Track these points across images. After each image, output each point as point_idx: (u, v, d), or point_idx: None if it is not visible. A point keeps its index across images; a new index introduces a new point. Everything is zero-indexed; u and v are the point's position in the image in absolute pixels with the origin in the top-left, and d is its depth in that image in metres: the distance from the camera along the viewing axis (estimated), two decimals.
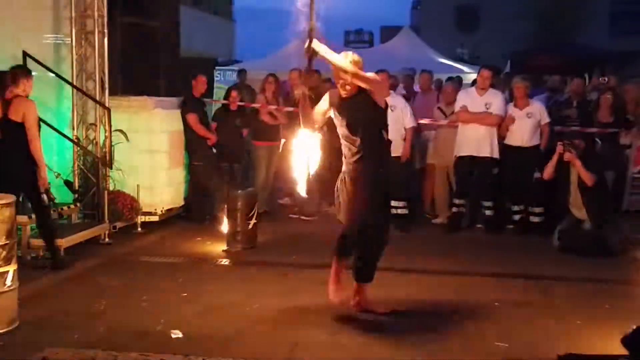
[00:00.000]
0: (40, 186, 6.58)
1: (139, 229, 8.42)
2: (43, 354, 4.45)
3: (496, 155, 8.54)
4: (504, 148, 8.59)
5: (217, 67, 17.44)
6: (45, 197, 6.69)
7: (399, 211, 8.77)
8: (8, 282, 4.86)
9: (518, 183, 8.53)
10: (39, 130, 6.65)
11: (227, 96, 9.65)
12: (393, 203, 8.72)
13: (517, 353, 4.73)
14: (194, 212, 8.99)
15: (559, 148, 7.77)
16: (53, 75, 8.19)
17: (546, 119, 8.60)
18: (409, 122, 8.75)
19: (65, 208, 7.73)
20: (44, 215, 6.73)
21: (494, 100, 8.54)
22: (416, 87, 11.33)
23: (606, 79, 11.25)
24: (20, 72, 6.71)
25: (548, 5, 27.02)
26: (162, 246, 7.76)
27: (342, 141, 5.28)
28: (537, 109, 8.62)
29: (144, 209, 8.51)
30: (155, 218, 8.62)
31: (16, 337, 4.80)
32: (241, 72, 14.06)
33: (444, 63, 17.42)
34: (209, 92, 12.01)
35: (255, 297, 5.71)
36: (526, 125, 8.52)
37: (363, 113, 5.16)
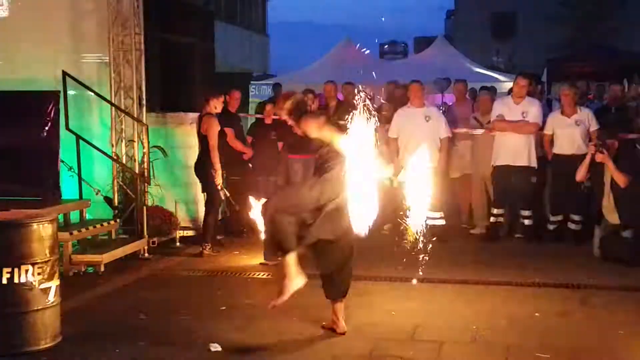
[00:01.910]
0: (216, 185, 7.77)
1: (178, 244, 8.50)
2: None
3: (534, 164, 8.44)
4: (554, 157, 8.46)
5: (252, 82, 17.60)
6: (222, 193, 7.89)
7: (436, 222, 8.73)
8: (51, 297, 4.94)
9: (569, 192, 8.37)
10: (218, 141, 7.82)
11: (261, 110, 9.72)
12: (430, 214, 8.74)
13: None
14: (231, 226, 9.04)
15: (591, 149, 7.66)
16: (92, 93, 8.34)
17: (595, 126, 8.45)
18: (444, 132, 8.71)
19: (105, 224, 7.85)
20: (210, 210, 7.97)
21: (531, 109, 8.46)
22: (449, 97, 11.32)
23: None
24: (211, 93, 7.95)
25: (585, 11, 26.74)
26: (200, 260, 7.81)
27: None
28: (586, 116, 8.48)
29: (182, 224, 8.60)
30: (193, 232, 8.71)
31: (59, 352, 4.88)
32: (276, 86, 14.17)
33: (479, 72, 17.35)
34: (245, 106, 12.12)
35: (294, 310, 5.71)
36: (575, 133, 8.36)
37: None
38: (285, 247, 5.00)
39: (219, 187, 7.89)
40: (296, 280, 5.00)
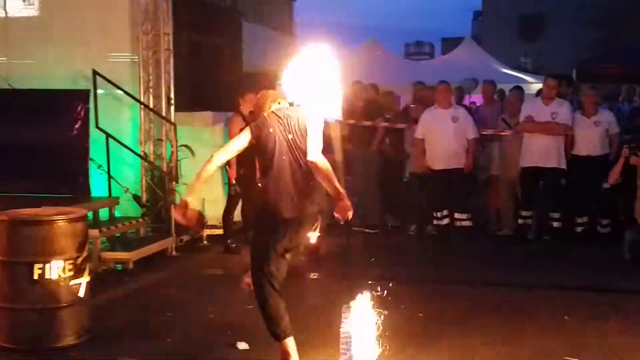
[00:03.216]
0: (230, 180, 7.96)
1: (205, 242, 8.54)
2: None
3: (563, 165, 8.36)
4: (571, 158, 8.41)
5: (279, 82, 17.61)
6: (232, 189, 7.98)
7: (463, 223, 8.69)
8: (81, 294, 4.99)
9: (586, 194, 8.33)
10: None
11: None
12: (456, 215, 8.71)
13: None
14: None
15: (625, 152, 7.57)
16: (121, 92, 8.41)
17: (616, 129, 8.38)
18: (472, 134, 8.66)
19: (133, 222, 7.92)
20: (228, 204, 8.15)
21: (560, 110, 8.38)
22: (475, 98, 11.24)
23: None
24: (240, 92, 7.93)
25: (615, 12, 26.42)
26: (227, 258, 7.84)
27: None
28: (606, 118, 8.42)
29: (210, 222, 8.63)
30: (220, 231, 8.74)
31: (88, 348, 4.92)
32: None
33: (507, 73, 17.21)
34: None
35: (320, 309, 5.71)
36: (594, 134, 8.33)
37: None
38: (280, 332, 4.38)
39: (232, 182, 7.91)
40: None
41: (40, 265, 4.80)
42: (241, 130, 7.84)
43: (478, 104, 12.86)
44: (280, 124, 4.41)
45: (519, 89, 9.95)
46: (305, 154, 4.36)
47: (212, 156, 4.44)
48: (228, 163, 7.95)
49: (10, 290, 4.90)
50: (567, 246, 8.29)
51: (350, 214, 4.24)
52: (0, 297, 4.94)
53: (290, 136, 4.39)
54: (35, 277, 4.80)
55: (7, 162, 8.01)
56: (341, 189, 4.26)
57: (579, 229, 8.49)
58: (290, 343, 4.41)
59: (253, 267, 4.45)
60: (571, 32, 27.98)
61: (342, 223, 4.44)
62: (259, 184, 4.53)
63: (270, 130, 4.39)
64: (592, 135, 8.34)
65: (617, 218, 8.45)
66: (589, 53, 23.58)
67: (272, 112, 4.52)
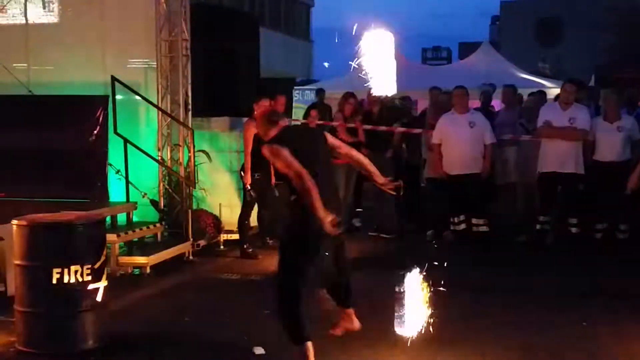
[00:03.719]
0: (245, 185, 7.95)
1: (222, 247, 8.57)
2: None
3: (581, 171, 8.31)
4: (593, 164, 8.35)
5: (295, 87, 17.67)
6: (248, 194, 7.98)
7: (480, 228, 8.66)
8: (98, 298, 5.02)
9: (607, 200, 8.26)
10: (252, 146, 7.77)
11: (306, 115, 9.75)
12: (473, 221, 8.67)
13: None
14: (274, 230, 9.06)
15: None
16: (140, 98, 8.48)
17: (638, 135, 8.33)
18: (489, 139, 8.64)
19: (151, 227, 7.96)
20: (244, 209, 8.13)
21: (579, 115, 8.33)
22: (495, 102, 11.17)
23: None
24: (256, 98, 7.96)
25: (633, 16, 26.23)
26: (244, 264, 7.86)
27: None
28: (629, 123, 8.36)
29: (226, 227, 8.67)
30: (236, 236, 8.76)
31: (106, 353, 4.95)
32: (320, 91, 14.19)
33: (525, 78, 17.14)
34: (288, 111, 12.16)
35: (333, 313, 5.70)
36: (616, 140, 8.27)
37: None
38: (299, 336, 4.50)
39: (247, 187, 7.93)
40: None
41: (59, 270, 4.83)
42: (255, 135, 7.92)
43: (497, 109, 12.78)
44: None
45: (541, 94, 9.87)
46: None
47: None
48: (243, 169, 7.99)
49: (29, 294, 4.94)
50: (585, 252, 8.24)
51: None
52: (19, 301, 4.98)
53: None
54: (54, 281, 4.83)
55: (26, 167, 8.10)
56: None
57: (598, 235, 8.42)
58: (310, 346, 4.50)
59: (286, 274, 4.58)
60: (589, 37, 27.83)
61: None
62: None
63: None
64: (614, 141, 8.29)
65: (636, 224, 8.38)
66: (607, 57, 23.44)
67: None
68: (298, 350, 4.49)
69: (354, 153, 5.15)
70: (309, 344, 4.49)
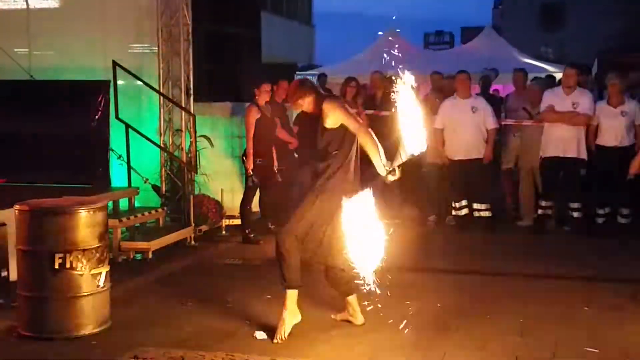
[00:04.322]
0: (247, 171, 7.90)
1: (223, 232, 8.58)
2: (134, 352, 4.60)
3: (583, 155, 8.29)
4: (596, 149, 8.33)
5: (297, 72, 17.63)
6: (250, 180, 7.95)
7: (482, 213, 8.66)
8: (101, 283, 5.03)
9: (610, 184, 8.25)
10: (254, 131, 7.84)
11: None
12: (476, 205, 8.67)
13: (608, 359, 4.59)
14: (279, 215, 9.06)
15: None
16: (141, 83, 8.46)
17: None
18: (491, 124, 8.61)
19: (153, 212, 7.97)
20: (245, 194, 8.08)
21: (582, 100, 8.30)
22: (498, 87, 11.12)
23: None
24: (256, 83, 7.91)
25: (637, 1, 26.08)
26: (246, 249, 7.87)
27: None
28: (633, 108, 8.32)
29: (228, 213, 8.67)
30: (238, 221, 8.77)
31: (108, 337, 4.97)
32: (321, 77, 14.16)
33: (527, 63, 17.08)
34: None
35: (337, 298, 5.71)
36: (620, 124, 8.23)
37: None
38: (290, 280, 4.93)
39: (249, 173, 7.92)
40: (295, 316, 4.96)
41: (61, 255, 4.84)
42: (257, 120, 7.91)
43: (501, 93, 12.74)
44: None
45: (550, 78, 9.72)
46: None
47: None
48: (245, 153, 7.98)
49: (31, 279, 4.95)
50: (587, 236, 8.24)
51: None
52: (22, 286, 5.00)
53: None
54: (56, 266, 4.84)
55: (28, 153, 8.12)
56: None
57: (600, 220, 8.42)
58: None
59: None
60: (593, 21, 27.68)
61: None
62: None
63: None
64: (618, 126, 8.25)
65: (638, 208, 8.37)
66: (611, 42, 23.33)
67: None
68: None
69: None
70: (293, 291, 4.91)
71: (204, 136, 8.66)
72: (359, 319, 5.17)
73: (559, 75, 11.40)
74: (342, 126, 4.82)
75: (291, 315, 4.92)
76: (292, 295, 4.93)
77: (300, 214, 4.88)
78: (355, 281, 4.78)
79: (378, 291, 4.53)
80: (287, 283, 4.93)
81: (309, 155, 5.02)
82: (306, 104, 4.94)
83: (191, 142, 8.31)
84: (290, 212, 4.94)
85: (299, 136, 7.06)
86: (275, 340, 4.82)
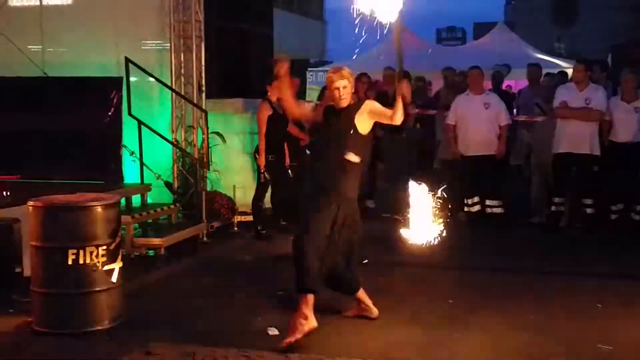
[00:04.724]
0: (259, 167, 7.91)
1: (235, 228, 8.59)
2: (147, 348, 4.61)
3: (597, 152, 8.24)
4: (609, 144, 8.28)
5: (309, 68, 17.61)
6: (262, 176, 7.96)
7: (495, 210, 8.63)
8: (114, 279, 5.05)
9: (623, 180, 8.20)
10: (266, 128, 7.84)
11: (321, 96, 9.71)
12: (488, 202, 8.64)
13: (621, 356, 4.57)
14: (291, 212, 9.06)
15: None
16: (153, 79, 8.48)
17: None
18: (504, 120, 8.58)
19: (165, 208, 7.99)
20: (257, 190, 8.11)
21: (595, 96, 8.25)
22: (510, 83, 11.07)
23: None
24: (268, 79, 7.76)
25: None
26: (258, 245, 7.88)
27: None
28: None
29: (240, 209, 8.68)
30: (250, 218, 8.78)
31: (121, 332, 4.99)
32: None
33: (540, 58, 17.00)
34: (302, 93, 12.14)
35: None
36: (633, 120, 8.18)
37: None
38: (306, 283, 4.81)
39: (261, 169, 7.92)
40: (309, 323, 4.76)
41: (75, 251, 4.87)
42: (269, 117, 7.93)
43: (513, 89, 12.67)
44: None
45: (561, 74, 9.68)
46: None
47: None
48: (257, 150, 7.99)
49: (45, 275, 4.98)
50: (600, 233, 8.19)
51: None
52: (35, 281, 5.03)
53: None
54: (70, 262, 4.86)
55: (41, 149, 8.15)
56: None
57: (613, 216, 8.38)
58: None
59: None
60: (606, 16, 27.52)
61: None
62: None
63: None
64: (631, 121, 8.20)
65: None
66: (624, 37, 23.18)
67: None
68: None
69: None
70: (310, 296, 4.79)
71: (216, 132, 8.68)
72: (373, 311, 5.17)
73: (571, 71, 11.35)
74: (370, 133, 5.06)
75: (305, 322, 4.74)
76: (307, 299, 4.80)
77: (320, 222, 4.85)
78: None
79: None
80: (303, 286, 4.82)
81: (328, 158, 5.05)
82: (351, 95, 5.23)
83: (203, 139, 8.32)
84: (310, 218, 4.88)
85: (313, 131, 7.07)
86: (284, 345, 4.63)
